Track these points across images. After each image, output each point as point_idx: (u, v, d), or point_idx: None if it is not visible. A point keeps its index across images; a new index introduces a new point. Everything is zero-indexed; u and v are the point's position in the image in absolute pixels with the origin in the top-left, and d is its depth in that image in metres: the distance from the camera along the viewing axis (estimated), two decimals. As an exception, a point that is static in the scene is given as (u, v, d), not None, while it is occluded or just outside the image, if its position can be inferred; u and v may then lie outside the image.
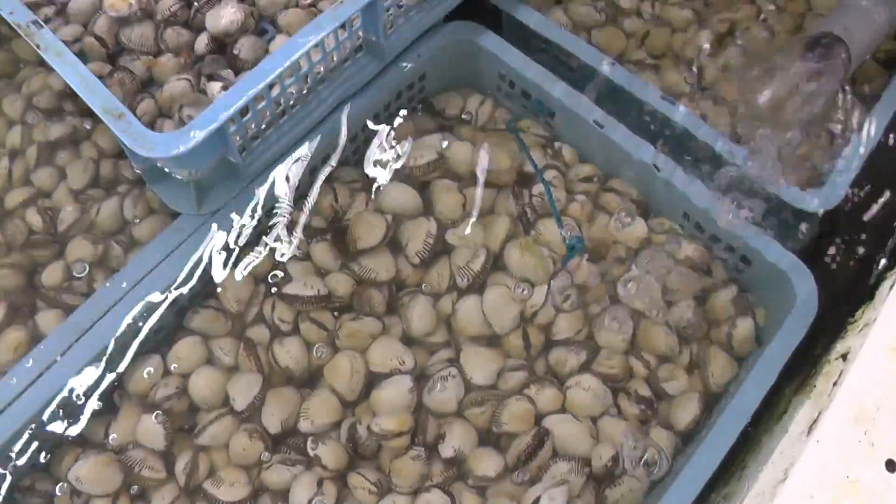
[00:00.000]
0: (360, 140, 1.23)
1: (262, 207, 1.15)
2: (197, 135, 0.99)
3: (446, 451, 1.07)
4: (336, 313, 1.16)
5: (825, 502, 0.90)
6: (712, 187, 1.16)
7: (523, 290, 1.14)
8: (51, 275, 1.17)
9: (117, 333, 1.07)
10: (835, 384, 1.01)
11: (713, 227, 1.16)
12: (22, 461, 1.04)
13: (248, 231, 1.15)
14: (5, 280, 1.16)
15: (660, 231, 1.19)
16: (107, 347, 1.07)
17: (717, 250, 1.18)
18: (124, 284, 1.10)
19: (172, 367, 1.12)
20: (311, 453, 1.08)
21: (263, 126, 1.12)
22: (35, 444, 1.05)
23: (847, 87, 1.20)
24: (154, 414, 1.08)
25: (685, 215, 1.18)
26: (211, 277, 1.14)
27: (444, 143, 1.23)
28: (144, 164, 1.10)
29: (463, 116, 1.30)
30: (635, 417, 1.10)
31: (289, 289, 1.13)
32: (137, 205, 1.20)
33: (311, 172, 1.20)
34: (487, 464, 1.07)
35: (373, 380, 1.12)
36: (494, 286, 1.15)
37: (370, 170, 1.22)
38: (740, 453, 1.06)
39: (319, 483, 1.06)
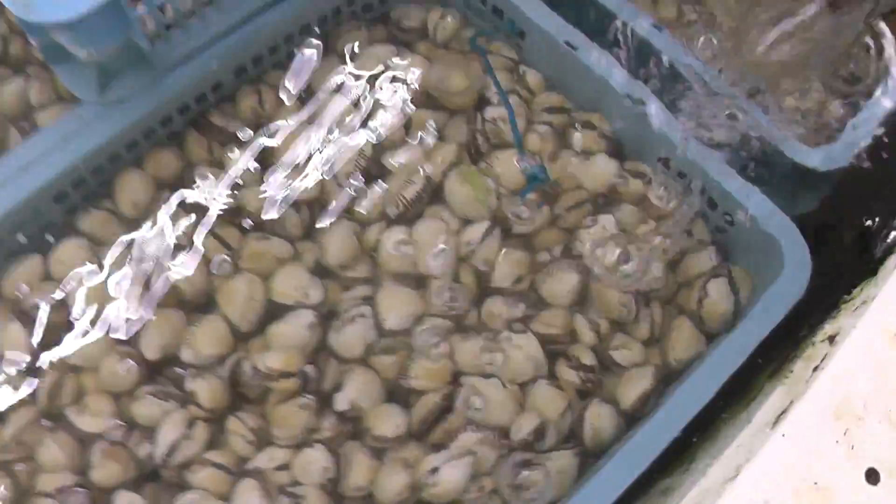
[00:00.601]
0: (299, 43, 1.01)
1: (175, 104, 0.95)
2: (86, 3, 0.79)
3: (341, 403, 0.86)
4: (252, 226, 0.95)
5: (782, 509, 0.67)
6: (699, 132, 0.92)
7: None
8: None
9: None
10: (815, 369, 0.77)
11: (698, 178, 0.92)
12: None
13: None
14: None
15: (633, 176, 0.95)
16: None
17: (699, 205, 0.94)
18: (8, 171, 0.90)
19: (53, 272, 0.92)
20: (187, 387, 0.87)
21: (184, 14, 0.92)
22: None
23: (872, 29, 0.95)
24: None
25: (663, 160, 0.94)
26: (108, 174, 0.94)
27: (395, 56, 1.00)
28: (39, 36, 0.90)
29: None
30: (572, 388, 0.87)
31: (193, 197, 0.92)
32: (44, 90, 1.01)
33: (236, 74, 0.99)
34: (387, 423, 0.85)
35: (274, 311, 0.91)
36: (427, 218, 0.93)
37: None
38: (692, 443, 0.82)
39: (190, 424, 0.85)
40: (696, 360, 0.87)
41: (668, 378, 0.88)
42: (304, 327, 0.88)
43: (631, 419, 0.86)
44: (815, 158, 0.90)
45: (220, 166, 0.96)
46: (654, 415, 0.80)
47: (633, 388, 0.86)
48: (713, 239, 0.94)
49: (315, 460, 0.83)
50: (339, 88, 0.99)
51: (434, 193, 0.95)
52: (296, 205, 0.94)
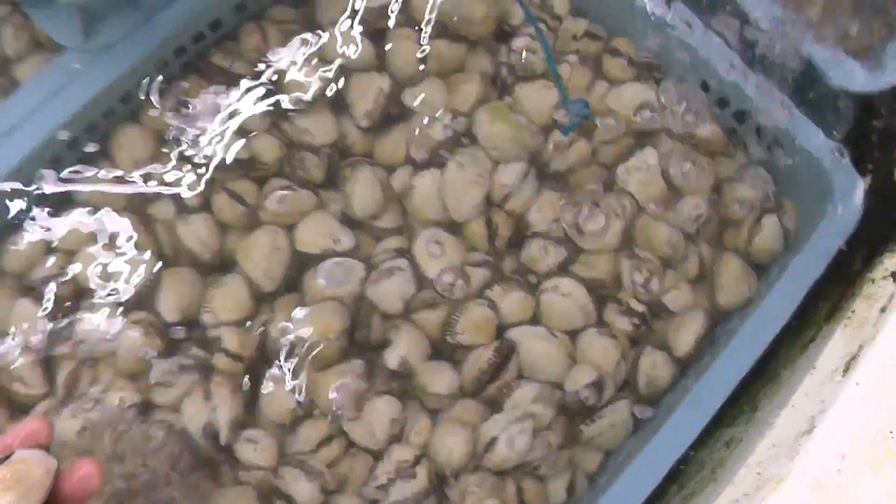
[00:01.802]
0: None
1: (170, 46, 0.84)
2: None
3: (392, 359, 0.80)
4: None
5: (860, 464, 0.64)
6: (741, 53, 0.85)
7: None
8: None
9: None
10: (883, 310, 0.73)
11: (738, 102, 0.85)
12: None
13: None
14: None
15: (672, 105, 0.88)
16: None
17: (742, 133, 0.87)
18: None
19: (54, 244, 0.82)
20: (210, 335, 0.81)
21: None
22: None
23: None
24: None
25: (704, 85, 0.87)
26: (103, 132, 0.84)
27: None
28: (13, -24, 0.79)
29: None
30: (625, 335, 0.82)
31: (200, 150, 0.83)
32: (20, 38, 0.88)
33: (237, 10, 0.88)
34: (440, 380, 0.79)
35: (300, 265, 0.83)
36: (458, 161, 0.84)
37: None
38: (751, 388, 0.79)
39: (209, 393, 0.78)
40: (747, 298, 0.83)
41: (719, 318, 0.84)
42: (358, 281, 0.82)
43: (684, 364, 0.82)
44: (857, 78, 0.83)
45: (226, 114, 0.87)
46: (713, 363, 0.76)
47: (686, 333, 0.81)
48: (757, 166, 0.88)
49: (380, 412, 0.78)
50: (350, 21, 0.88)
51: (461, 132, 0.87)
52: (314, 149, 0.85)
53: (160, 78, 0.85)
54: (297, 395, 0.79)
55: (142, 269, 0.82)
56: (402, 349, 0.80)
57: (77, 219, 0.82)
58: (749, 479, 0.70)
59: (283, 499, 0.75)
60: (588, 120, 0.84)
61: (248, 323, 0.82)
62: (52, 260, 0.82)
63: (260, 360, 0.81)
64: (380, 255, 0.83)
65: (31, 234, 0.81)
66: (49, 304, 0.80)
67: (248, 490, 0.77)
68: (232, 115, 0.86)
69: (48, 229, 0.82)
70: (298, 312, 0.80)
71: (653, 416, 0.79)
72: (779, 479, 0.66)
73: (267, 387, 0.80)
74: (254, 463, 0.77)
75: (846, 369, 0.70)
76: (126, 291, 0.81)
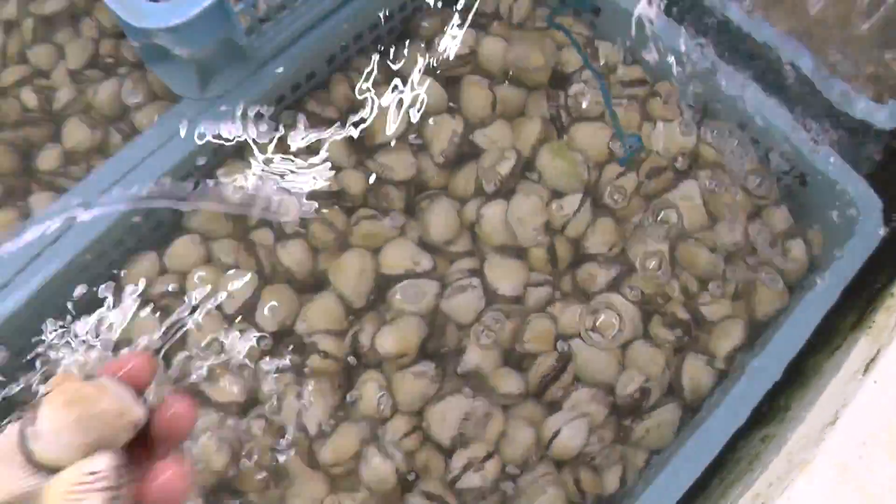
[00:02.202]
0: (383, 29, 1.05)
1: (272, 95, 0.99)
2: (195, 6, 0.83)
3: (466, 366, 0.93)
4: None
5: (879, 450, 0.75)
6: (772, 97, 0.97)
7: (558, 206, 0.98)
8: (46, 160, 1.02)
9: (110, 224, 0.92)
10: (899, 319, 0.84)
11: (770, 140, 0.98)
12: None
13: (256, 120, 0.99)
14: (-2, 158, 1.02)
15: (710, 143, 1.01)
16: (99, 237, 0.92)
17: (774, 164, 1.00)
18: (119, 170, 0.94)
19: (169, 266, 0.97)
20: (306, 340, 0.93)
21: (275, 7, 0.96)
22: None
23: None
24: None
25: (740, 125, 1.00)
26: (213, 169, 0.99)
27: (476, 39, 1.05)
28: (142, 39, 0.94)
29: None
30: (670, 345, 0.94)
31: (296, 184, 0.97)
32: (139, 89, 1.05)
33: (328, 62, 1.03)
34: (510, 382, 0.92)
35: (384, 284, 0.97)
36: (523, 194, 0.98)
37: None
38: (783, 392, 0.90)
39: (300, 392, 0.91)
40: (781, 312, 0.95)
41: (756, 329, 0.96)
42: (433, 297, 0.95)
43: (724, 369, 0.94)
44: (878, 116, 0.95)
45: (316, 151, 1.01)
46: (747, 369, 0.88)
47: (725, 341, 0.93)
48: (787, 195, 1.01)
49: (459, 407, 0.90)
50: (427, 70, 1.04)
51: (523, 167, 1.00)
52: (395, 184, 0.99)
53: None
54: (383, 395, 0.92)
55: (244, 286, 0.96)
56: (476, 357, 0.93)
57: (188, 246, 0.97)
58: (781, 465, 0.81)
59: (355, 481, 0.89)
60: (641, 153, 0.98)
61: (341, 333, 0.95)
62: (166, 279, 0.96)
63: (351, 364, 0.94)
64: (454, 275, 0.96)
65: (148, 259, 0.96)
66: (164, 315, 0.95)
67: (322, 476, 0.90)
68: (323, 154, 1.01)
69: (163, 255, 0.97)
70: (384, 326, 0.94)
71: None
72: (806, 462, 0.77)
73: (357, 386, 0.93)
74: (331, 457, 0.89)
75: (866, 370, 0.81)
76: (231, 305, 0.96)
